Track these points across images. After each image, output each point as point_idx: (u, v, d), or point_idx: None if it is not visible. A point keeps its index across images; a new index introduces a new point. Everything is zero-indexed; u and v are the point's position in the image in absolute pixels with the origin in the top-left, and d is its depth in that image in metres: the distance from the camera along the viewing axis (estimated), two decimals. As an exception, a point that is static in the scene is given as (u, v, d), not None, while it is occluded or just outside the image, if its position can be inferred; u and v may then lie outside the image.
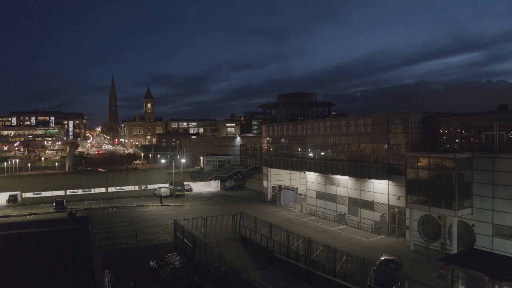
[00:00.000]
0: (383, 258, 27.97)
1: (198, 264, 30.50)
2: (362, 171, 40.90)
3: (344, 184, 45.90)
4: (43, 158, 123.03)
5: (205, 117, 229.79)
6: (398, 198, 38.19)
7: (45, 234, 43.35)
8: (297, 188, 58.42)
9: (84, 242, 37.43)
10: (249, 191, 76.31)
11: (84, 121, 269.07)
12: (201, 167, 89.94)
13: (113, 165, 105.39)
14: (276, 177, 62.84)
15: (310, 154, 51.89)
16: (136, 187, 77.69)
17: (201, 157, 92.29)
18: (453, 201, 30.88)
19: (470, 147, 33.90)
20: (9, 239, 41.49)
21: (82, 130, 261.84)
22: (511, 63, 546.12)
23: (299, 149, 55.12)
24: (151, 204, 63.68)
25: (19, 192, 69.87)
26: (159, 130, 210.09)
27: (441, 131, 37.46)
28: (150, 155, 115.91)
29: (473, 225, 31.91)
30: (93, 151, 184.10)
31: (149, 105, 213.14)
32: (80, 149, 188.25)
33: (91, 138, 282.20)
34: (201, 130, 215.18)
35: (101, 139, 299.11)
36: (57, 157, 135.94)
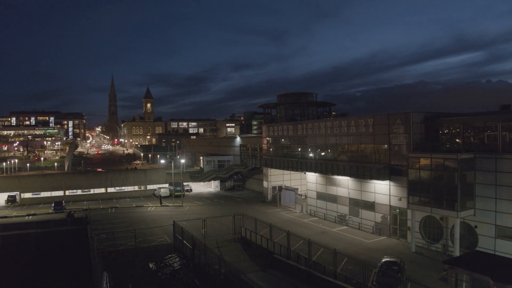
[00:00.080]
0: (384, 260, 27.59)
1: (197, 266, 30.16)
2: (363, 171, 40.55)
3: (345, 184, 45.56)
4: (42, 158, 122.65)
5: (205, 117, 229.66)
6: (400, 199, 37.85)
7: (44, 235, 43.03)
8: (297, 189, 58.11)
9: (82, 243, 37.10)
10: (249, 191, 75.98)
11: (84, 121, 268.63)
12: (200, 168, 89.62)
13: (112, 165, 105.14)
14: (276, 177, 62.49)
15: (311, 155, 51.54)
16: (136, 188, 77.33)
17: (201, 157, 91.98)
18: (456, 202, 30.54)
19: (472, 147, 33.56)
20: (7, 240, 41.15)
21: (82, 130, 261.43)
22: (511, 63, 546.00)
23: (300, 149, 54.77)
24: (151, 205, 63.32)
25: (18, 193, 69.50)
26: (158, 130, 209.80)
27: (443, 131, 37.12)
28: (150, 155, 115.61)
29: (476, 227, 31.57)
30: (93, 151, 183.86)
31: (148, 105, 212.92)
32: (79, 149, 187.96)
33: (90, 138, 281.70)
34: (201, 130, 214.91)
35: (100, 139, 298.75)
36: (57, 157, 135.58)
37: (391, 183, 38.82)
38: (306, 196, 53.92)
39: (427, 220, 35.50)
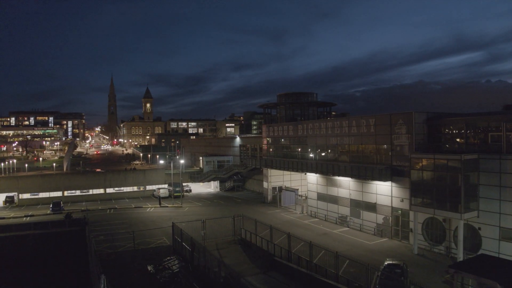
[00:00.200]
0: (387, 263, 27.08)
1: (197, 269, 29.63)
2: (365, 172, 40.06)
3: (346, 185, 45.07)
4: (41, 159, 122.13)
5: (205, 117, 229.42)
6: (402, 200, 37.37)
7: (41, 236, 42.58)
8: (298, 190, 57.64)
9: (80, 245, 36.63)
10: (249, 192, 75.50)
11: (83, 121, 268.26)
12: (200, 168, 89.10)
13: (111, 166, 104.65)
14: (276, 178, 62.00)
15: (311, 155, 51.06)
16: (135, 188, 76.84)
17: (201, 158, 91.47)
18: (459, 203, 30.06)
19: (476, 148, 33.08)
20: (5, 242, 40.67)
21: (81, 130, 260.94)
22: (511, 63, 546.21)
23: (300, 149, 54.29)
24: (150, 206, 62.83)
25: (16, 193, 68.97)
26: (158, 130, 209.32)
27: (446, 132, 36.64)
28: (149, 155, 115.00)
29: (479, 228, 31.07)
30: (92, 151, 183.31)
31: (148, 105, 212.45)
32: (78, 149, 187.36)
33: (90, 138, 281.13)
34: (201, 130, 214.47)
35: (100, 139, 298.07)
36: (56, 158, 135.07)
37: (393, 184, 38.34)
38: (306, 197, 53.44)
39: (429, 221, 35.02)
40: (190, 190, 77.66)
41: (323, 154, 49.54)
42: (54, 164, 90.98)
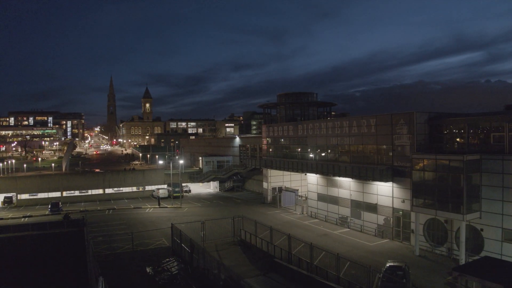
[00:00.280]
0: (389, 265, 26.71)
1: (196, 271, 29.28)
2: (366, 173, 39.71)
3: (346, 186, 44.73)
4: (40, 159, 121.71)
5: (204, 117, 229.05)
6: (403, 201, 37.05)
7: (39, 237, 42.14)
8: (298, 190, 57.28)
9: (79, 247, 36.24)
10: (249, 192, 75.14)
11: (83, 121, 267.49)
12: (199, 168, 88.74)
13: (110, 166, 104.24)
14: (276, 178, 61.62)
15: (311, 155, 50.72)
16: (134, 188, 76.42)
17: (200, 158, 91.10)
18: (461, 204, 29.74)
19: (478, 148, 32.75)
20: (2, 243, 40.25)
21: (81, 130, 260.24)
22: (510, 63, 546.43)
23: (300, 150, 53.95)
24: (149, 206, 62.46)
25: (14, 194, 68.53)
26: (157, 130, 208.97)
27: (448, 132, 36.31)
28: (148, 155, 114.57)
29: (482, 230, 30.75)
30: (91, 151, 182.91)
31: (147, 105, 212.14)
32: (78, 149, 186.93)
33: (89, 138, 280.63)
34: (200, 130, 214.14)
35: (99, 139, 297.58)
36: (55, 158, 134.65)
37: (394, 184, 38.01)
38: (306, 198, 53.10)
39: (431, 222, 34.69)
40: (190, 191, 77.27)
41: (323, 154, 49.20)
42: (53, 164, 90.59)
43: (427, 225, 34.99)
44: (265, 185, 62.92)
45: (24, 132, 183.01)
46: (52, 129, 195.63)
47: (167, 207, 61.02)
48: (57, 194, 70.50)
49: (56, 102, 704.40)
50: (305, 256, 28.33)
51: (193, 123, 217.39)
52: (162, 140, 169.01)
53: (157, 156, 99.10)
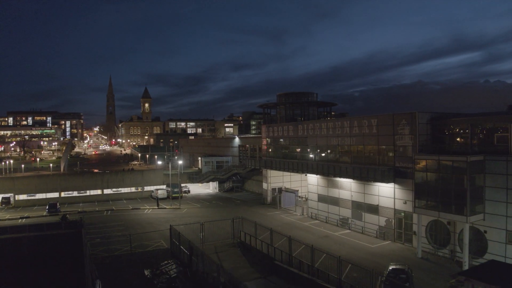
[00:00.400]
0: (391, 268, 26.26)
1: (195, 274, 28.73)
2: (367, 173, 39.23)
3: (347, 187, 44.24)
4: (38, 159, 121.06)
5: (204, 117, 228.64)
6: (405, 202, 36.58)
7: (36, 239, 41.57)
8: (298, 191, 56.79)
9: (76, 249, 35.72)
10: (248, 193, 74.62)
11: (82, 121, 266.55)
12: (199, 168, 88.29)
13: (109, 166, 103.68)
14: (276, 179, 61.12)
15: (311, 156, 50.22)
16: (133, 189, 75.75)
17: (199, 158, 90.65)
18: (465, 206, 29.28)
19: (481, 149, 32.28)
20: (-2, 245, 39.75)
21: (80, 130, 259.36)
22: (510, 63, 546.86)
23: (300, 150, 53.46)
24: (148, 207, 61.91)
25: (12, 194, 67.92)
26: (156, 130, 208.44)
27: (450, 132, 35.84)
28: (147, 155, 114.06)
29: (485, 232, 30.28)
30: (90, 151, 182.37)
31: (146, 105, 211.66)
32: (76, 149, 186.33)
33: (88, 138, 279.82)
34: (199, 130, 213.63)
35: (98, 139, 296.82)
36: (53, 158, 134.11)
37: (396, 185, 37.54)
38: (307, 199, 52.60)
39: (433, 224, 34.21)
40: (189, 191, 76.74)
41: (323, 154, 48.71)
42: (51, 165, 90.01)
43: (429, 227, 34.52)
44: (264, 185, 62.42)
45: (22, 132, 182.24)
46: (51, 129, 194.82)
47: (166, 208, 60.48)
48: (55, 194, 69.85)
49: (55, 102, 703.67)
50: (306, 259, 27.81)
51: (192, 123, 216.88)
52: (161, 140, 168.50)
53: (156, 156, 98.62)
